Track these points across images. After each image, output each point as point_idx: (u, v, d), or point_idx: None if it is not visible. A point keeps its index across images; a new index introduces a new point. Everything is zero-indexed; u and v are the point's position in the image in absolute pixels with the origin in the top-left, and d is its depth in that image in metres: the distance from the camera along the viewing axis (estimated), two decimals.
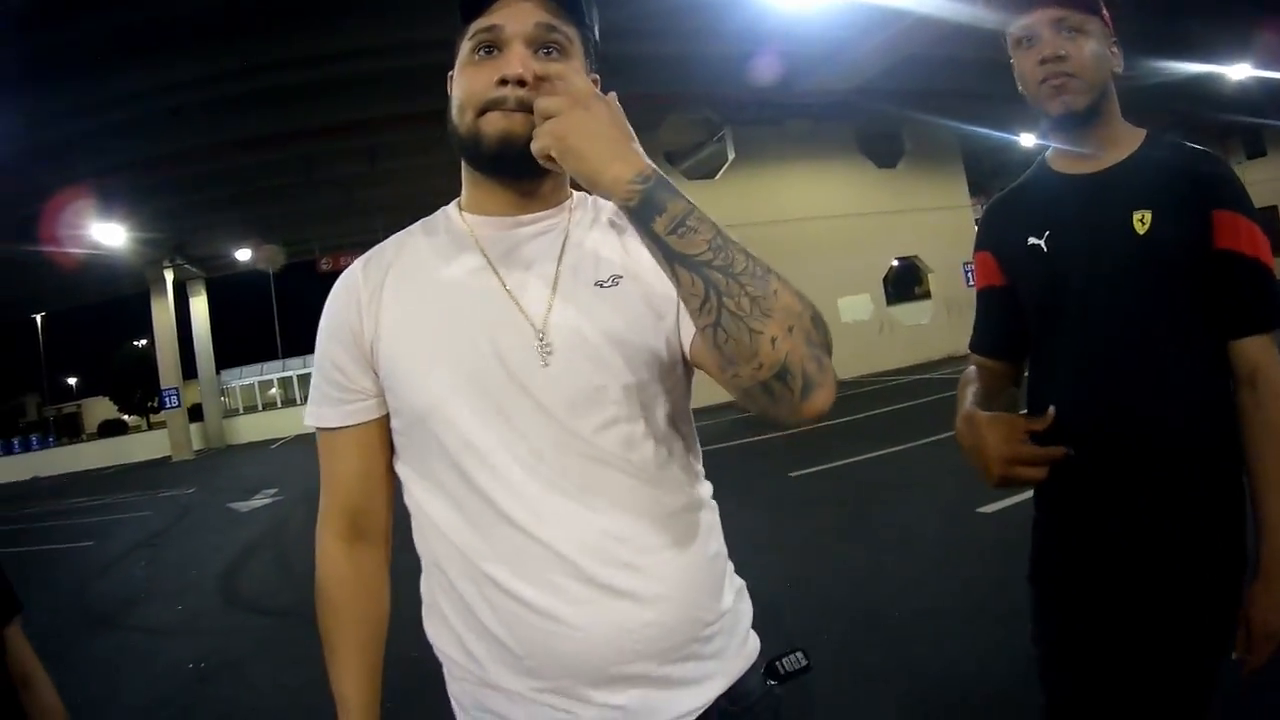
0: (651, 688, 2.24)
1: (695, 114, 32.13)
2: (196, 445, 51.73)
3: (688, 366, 2.41)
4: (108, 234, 35.86)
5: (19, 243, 33.17)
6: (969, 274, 35.89)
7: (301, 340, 75.96)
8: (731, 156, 34.51)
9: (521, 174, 2.30)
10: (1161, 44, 25.52)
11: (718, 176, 34.70)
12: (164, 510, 26.02)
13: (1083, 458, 3.11)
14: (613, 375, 2.25)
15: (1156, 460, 3.09)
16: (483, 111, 2.24)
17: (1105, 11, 3.25)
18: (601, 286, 2.32)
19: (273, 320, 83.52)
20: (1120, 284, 3.14)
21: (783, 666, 2.50)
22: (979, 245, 3.70)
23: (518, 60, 2.21)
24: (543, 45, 2.26)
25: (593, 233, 2.42)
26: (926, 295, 39.65)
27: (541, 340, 2.24)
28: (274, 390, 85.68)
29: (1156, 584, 3.11)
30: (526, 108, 2.17)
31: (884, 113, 33.02)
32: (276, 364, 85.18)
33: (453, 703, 2.43)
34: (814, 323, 2.04)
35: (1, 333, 68.71)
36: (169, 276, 48.79)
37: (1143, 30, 24.25)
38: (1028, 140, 30.56)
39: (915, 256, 37.41)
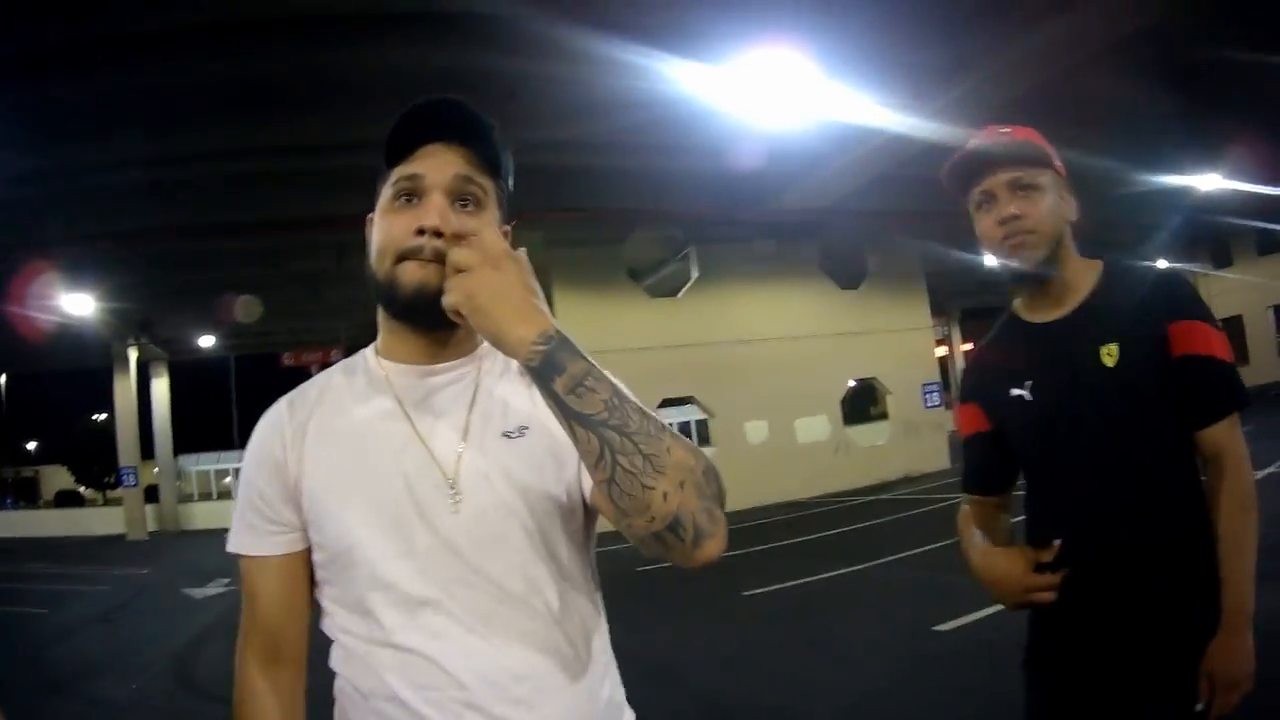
0: None
1: (661, 230, 32.25)
2: (151, 526, 51.17)
3: (589, 512, 2.54)
4: (75, 303, 35.67)
5: None
6: (927, 395, 36.33)
7: None
8: (695, 275, 34.70)
9: (434, 325, 2.39)
10: (1131, 157, 25.81)
11: (680, 294, 34.91)
12: (121, 588, 26.04)
13: (1078, 569, 3.38)
14: (518, 521, 2.39)
15: (1140, 564, 3.34)
16: (400, 259, 2.37)
17: (1057, 163, 3.55)
18: (509, 437, 2.46)
19: (231, 409, 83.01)
20: (1098, 416, 3.39)
21: None
22: (964, 398, 3.92)
23: (435, 211, 2.36)
24: (460, 197, 2.42)
25: (502, 382, 2.56)
26: (883, 416, 39.77)
27: (452, 487, 2.38)
28: (229, 479, 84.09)
29: (1139, 653, 3.35)
30: (441, 258, 2.29)
31: (849, 233, 33.32)
32: (234, 454, 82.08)
33: None
34: (706, 476, 2.16)
35: None
36: (133, 355, 48.58)
37: (1112, 146, 24.54)
38: (990, 260, 30.48)
39: (874, 378, 37.53)
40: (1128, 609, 3.37)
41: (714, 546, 2.15)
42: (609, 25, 17.21)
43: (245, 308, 33.73)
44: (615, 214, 28.86)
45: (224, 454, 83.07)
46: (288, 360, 47.43)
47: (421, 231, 2.34)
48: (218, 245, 30.39)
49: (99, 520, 56.12)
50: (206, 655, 15.72)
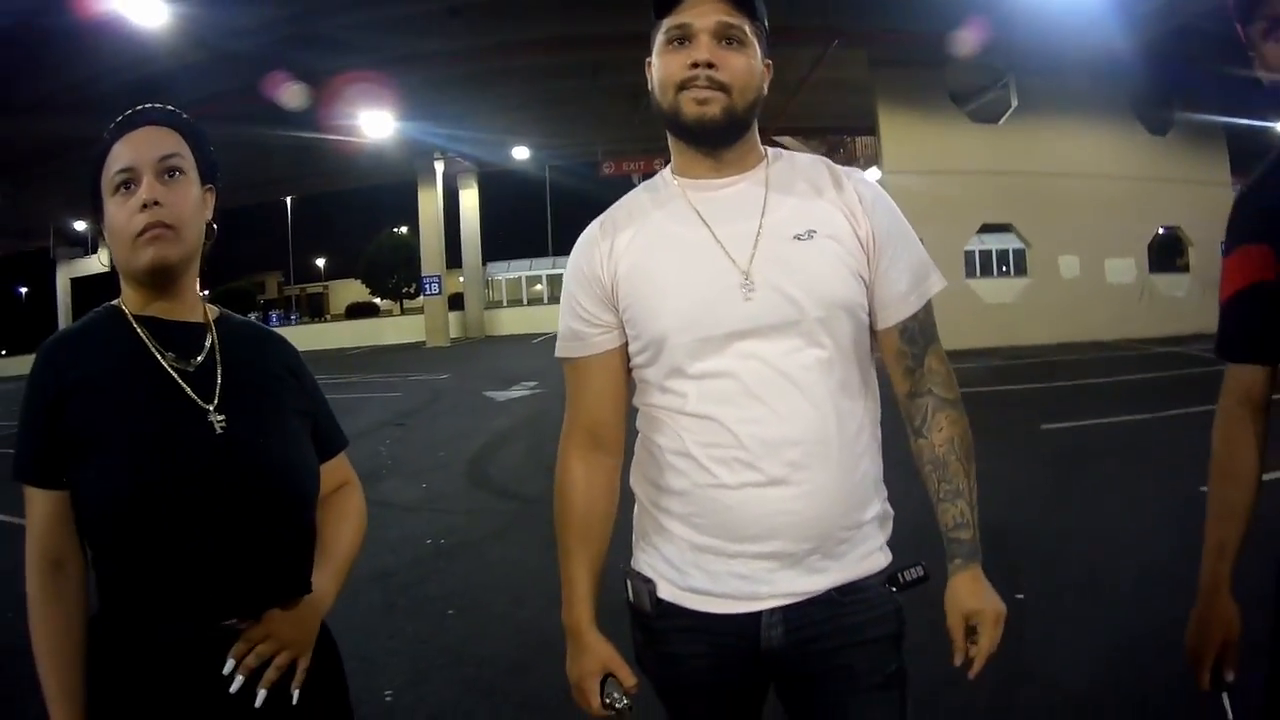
0: (777, 563, 2.88)
1: (981, 58, 31.77)
2: (454, 333, 51.84)
3: (871, 326, 3.03)
4: (377, 125, 36.27)
5: (284, 128, 33.97)
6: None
7: (574, 239, 77.48)
8: (1014, 104, 33.81)
9: (717, 144, 2.94)
10: None
11: (1000, 122, 34.14)
12: (416, 392, 26.27)
13: None
14: (802, 311, 2.83)
15: None
16: (680, 90, 2.85)
17: None
18: (799, 239, 2.88)
19: (546, 217, 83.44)
20: None
21: (903, 576, 2.99)
22: (1243, 239, 3.20)
23: (704, 48, 2.82)
24: (724, 37, 2.84)
25: (793, 190, 2.97)
26: (1185, 269, 38.66)
27: (746, 280, 2.83)
28: (540, 286, 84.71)
29: None
30: (716, 85, 2.81)
31: (1159, 78, 32.19)
32: (546, 260, 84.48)
33: (637, 535, 3.17)
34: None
35: (251, 213, 68.74)
36: (439, 168, 49.25)
37: None
38: None
39: (1178, 227, 36.45)
40: None
41: None
42: None
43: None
44: (935, 37, 28.39)
45: (536, 260, 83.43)
46: (607, 169, 47.13)
47: (695, 65, 2.81)
48: (528, 61, 30.66)
49: (396, 330, 57.28)
50: (503, 455, 16.34)
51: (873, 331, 3.04)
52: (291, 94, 28.36)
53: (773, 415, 2.80)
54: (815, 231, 2.88)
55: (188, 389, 2.83)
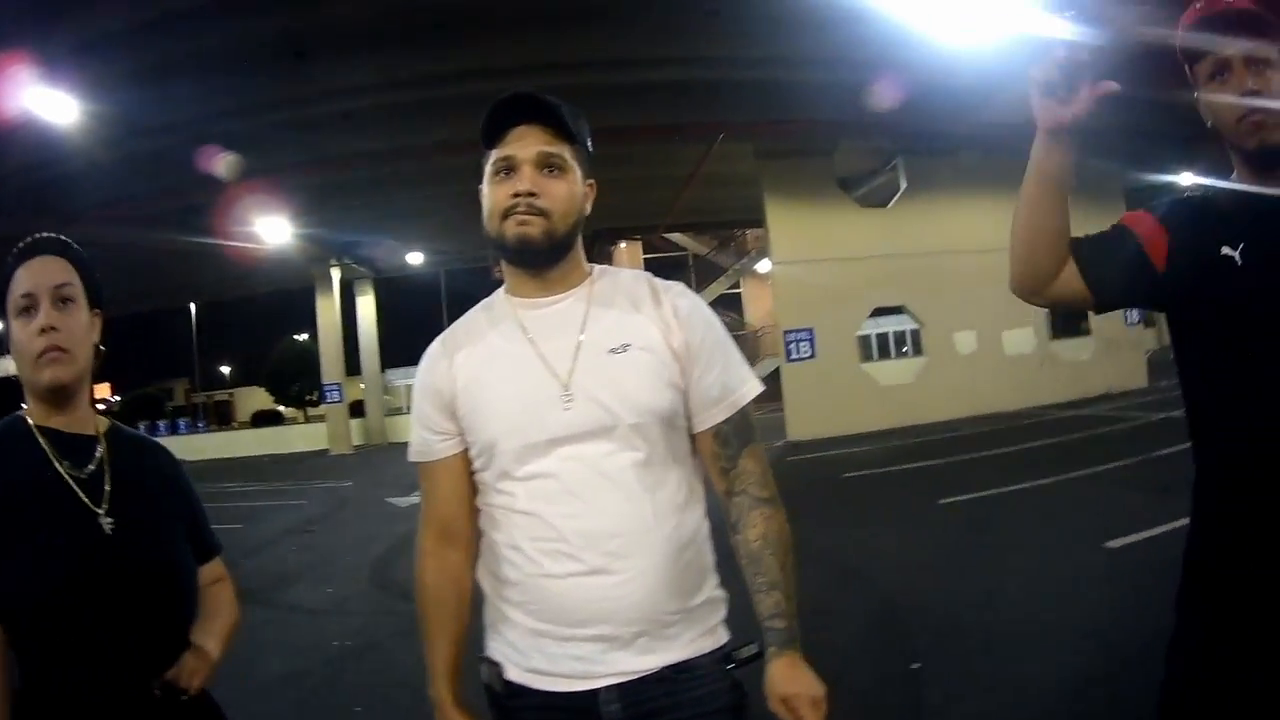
0: (606, 644, 3.03)
1: (868, 143, 32.08)
2: (356, 440, 52.25)
3: (689, 431, 3.25)
4: (274, 231, 36.62)
5: (183, 233, 33.63)
6: (1128, 314, 35.34)
7: None
8: (903, 186, 34.39)
9: (539, 265, 3.19)
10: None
11: (890, 205, 34.72)
12: (320, 500, 26.64)
13: (1260, 507, 3.04)
14: (616, 418, 3.05)
15: None
16: (504, 217, 3.08)
17: None
18: (614, 352, 3.10)
19: (442, 322, 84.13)
20: None
21: (738, 654, 3.15)
22: (1152, 212, 3.37)
23: (526, 179, 3.06)
24: (545, 165, 3.09)
25: (611, 307, 3.20)
26: (1088, 331, 39.25)
27: (566, 391, 3.06)
28: None
29: None
30: (537, 210, 3.04)
31: None
32: None
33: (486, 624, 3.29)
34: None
35: (158, 319, 69.72)
36: (335, 275, 49.48)
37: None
38: (1188, 180, 29.71)
39: None
40: None
41: None
42: None
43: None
44: (822, 125, 28.85)
45: None
46: (498, 273, 47.81)
47: (516, 194, 3.05)
48: (419, 167, 30.85)
49: (300, 438, 57.21)
50: (405, 559, 15.84)
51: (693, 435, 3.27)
52: (202, 190, 28.42)
53: (591, 510, 3.02)
54: (630, 345, 3.12)
55: (81, 494, 3.11)
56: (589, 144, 3.27)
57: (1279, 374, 3.03)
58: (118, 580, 3.03)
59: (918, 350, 44.56)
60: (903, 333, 67.04)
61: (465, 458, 3.27)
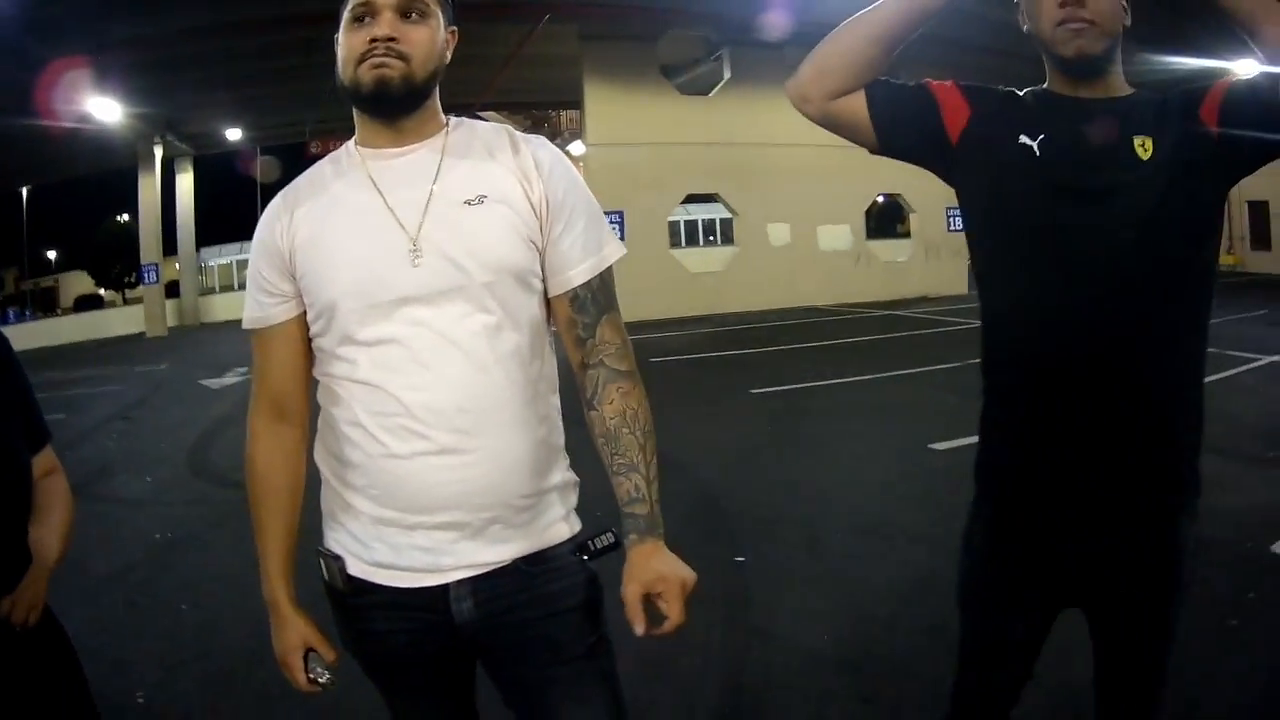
0: (457, 533, 2.88)
1: (694, 31, 32.02)
2: (171, 322, 51.21)
3: (545, 295, 3.03)
4: (101, 109, 35.41)
5: (9, 115, 32.70)
6: (951, 219, 35.74)
7: None
8: (727, 76, 34.51)
9: (394, 113, 2.93)
10: (1163, 42, 25.30)
11: (711, 94, 34.81)
12: (138, 385, 26.09)
13: (1042, 393, 3.15)
14: (469, 276, 2.82)
15: (1128, 428, 3.09)
16: (359, 63, 2.83)
17: None
18: (469, 204, 2.87)
19: (256, 200, 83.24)
20: (1119, 210, 3.04)
21: (593, 544, 2.98)
22: (959, 86, 3.35)
23: (386, 24, 2.82)
24: (406, 11, 2.85)
25: (467, 157, 2.97)
26: (907, 235, 39.71)
27: (414, 247, 2.82)
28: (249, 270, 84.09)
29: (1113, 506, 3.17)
30: (395, 54, 2.81)
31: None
32: None
33: (324, 513, 3.08)
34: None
35: None
36: (158, 153, 48.19)
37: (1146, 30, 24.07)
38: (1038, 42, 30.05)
39: (898, 195, 37.41)
40: (1108, 453, 3.12)
41: None
42: None
43: None
44: (648, 11, 28.65)
45: (246, 244, 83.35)
46: (314, 149, 47.52)
47: (374, 39, 2.81)
48: (244, 42, 30.34)
49: (119, 321, 55.49)
50: (222, 442, 16.16)
51: (549, 301, 3.07)
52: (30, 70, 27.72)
53: (440, 381, 2.82)
54: (486, 196, 2.90)
55: None
56: None
57: (1062, 265, 3.09)
58: None
59: (728, 240, 44.84)
60: (713, 221, 67.70)
61: (302, 323, 3.04)
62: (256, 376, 3.14)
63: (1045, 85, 3.29)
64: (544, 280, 2.99)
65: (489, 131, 3.08)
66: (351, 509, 2.96)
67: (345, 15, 2.90)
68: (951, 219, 36.24)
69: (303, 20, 27.14)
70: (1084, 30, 3.06)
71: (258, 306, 3.05)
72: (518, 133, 3.09)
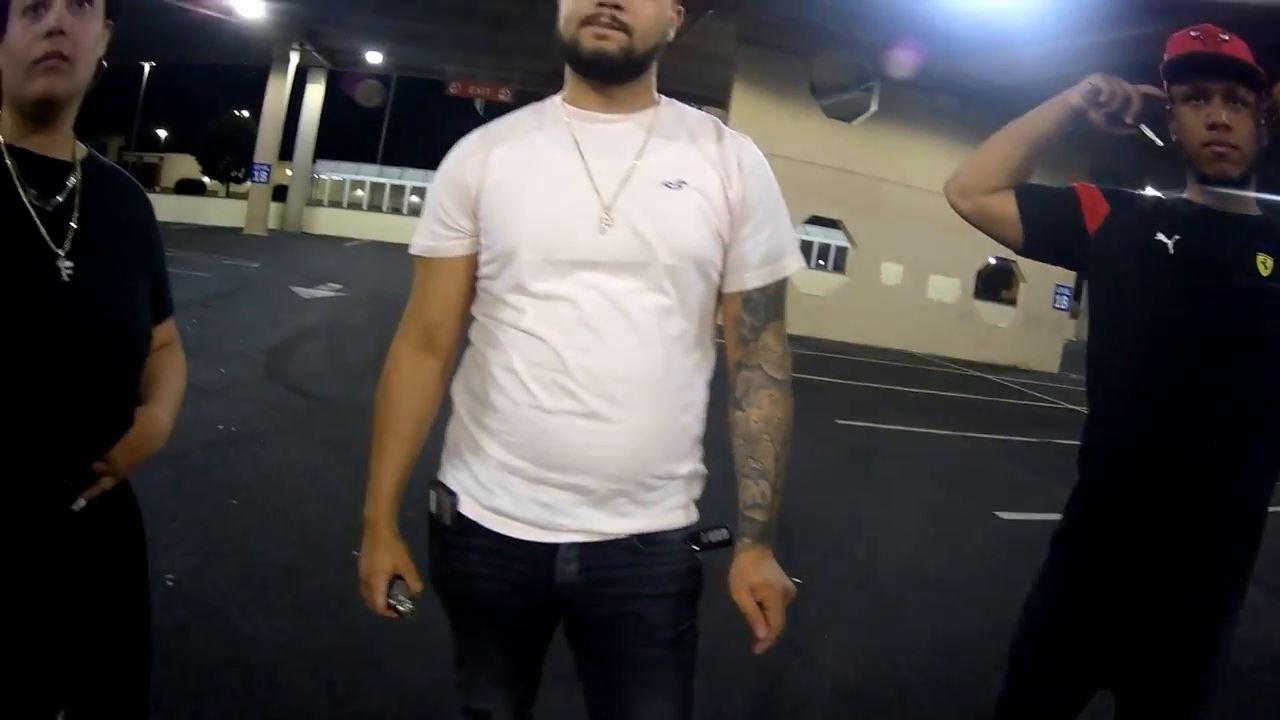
0: (580, 496, 2.88)
1: (852, 57, 31.94)
2: (272, 224, 51.79)
3: (720, 289, 3.03)
4: (244, 4, 36.37)
5: None
6: (1058, 295, 35.65)
7: (406, 153, 73.45)
8: (874, 109, 34.25)
9: (610, 80, 2.90)
10: None
11: (854, 122, 34.55)
12: (226, 277, 25.93)
13: (1137, 483, 3.31)
14: (653, 255, 2.82)
15: (1211, 531, 3.25)
16: (582, 25, 2.80)
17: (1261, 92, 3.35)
18: (667, 186, 2.87)
19: (382, 125, 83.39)
20: (1243, 320, 3.23)
21: (706, 537, 2.99)
22: (1098, 188, 3.58)
23: None
24: None
25: (675, 139, 2.97)
26: (1011, 302, 39.48)
27: (605, 215, 2.81)
28: (362, 193, 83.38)
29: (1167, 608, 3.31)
30: (619, 25, 2.77)
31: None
32: (373, 168, 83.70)
33: (448, 447, 3.12)
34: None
35: (108, 73, 69.09)
36: (294, 58, 48.98)
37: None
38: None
39: (1013, 262, 37.19)
40: (1177, 552, 3.28)
41: None
42: None
43: None
44: (810, 27, 28.55)
45: (364, 166, 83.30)
46: (453, 89, 48.38)
47: (602, 3, 2.77)
48: None
49: (217, 212, 56.03)
50: (301, 351, 16.38)
51: (721, 295, 3.07)
52: None
53: (602, 346, 2.80)
54: (685, 183, 2.89)
55: (42, 229, 2.73)
56: None
57: (1177, 361, 3.29)
58: (66, 335, 2.71)
59: (838, 269, 44.69)
60: (828, 246, 67.78)
61: (472, 262, 3.05)
62: (413, 302, 3.16)
63: (1184, 194, 3.46)
64: (723, 275, 3.00)
65: (696, 118, 3.07)
66: (481, 451, 2.96)
67: None
68: (1058, 295, 36.04)
69: None
70: (1227, 154, 3.26)
71: (431, 236, 3.06)
72: (726, 127, 3.07)
